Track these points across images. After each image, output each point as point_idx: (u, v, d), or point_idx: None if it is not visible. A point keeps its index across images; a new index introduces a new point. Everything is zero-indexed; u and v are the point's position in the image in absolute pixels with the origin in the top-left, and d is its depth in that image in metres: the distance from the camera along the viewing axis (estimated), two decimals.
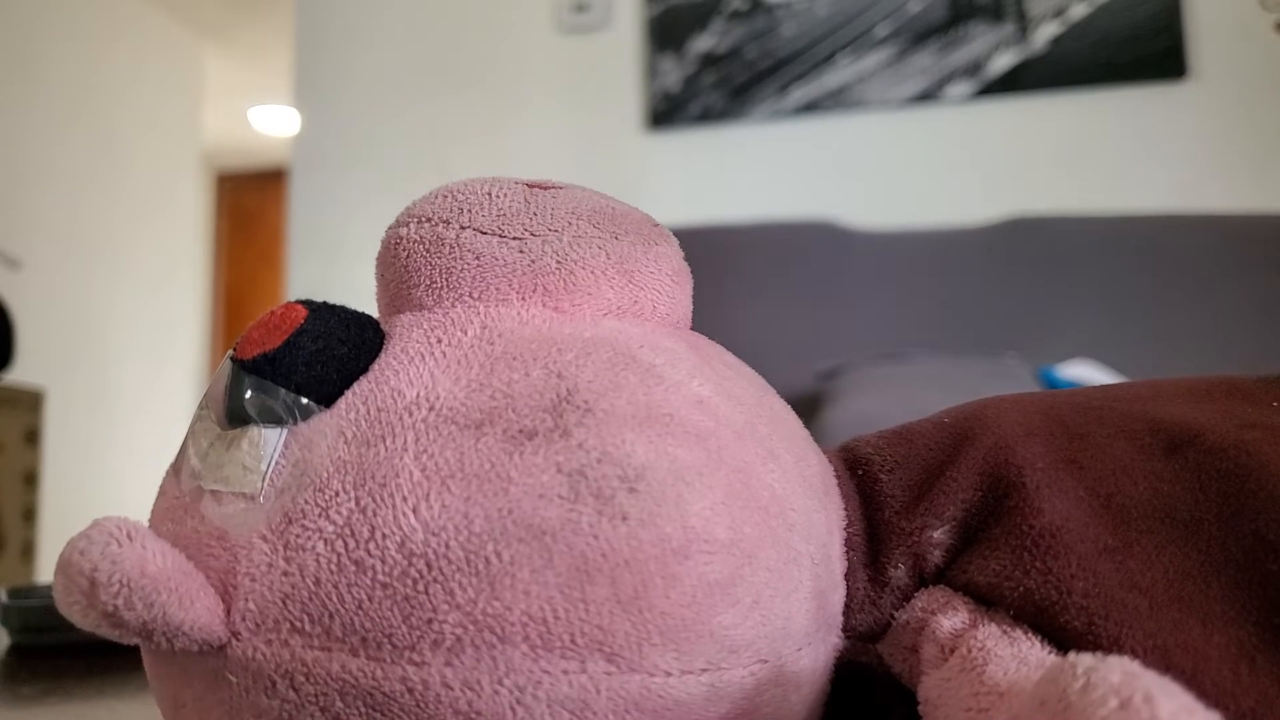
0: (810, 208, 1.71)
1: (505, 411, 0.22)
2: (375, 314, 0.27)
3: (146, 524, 0.23)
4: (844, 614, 0.25)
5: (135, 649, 0.44)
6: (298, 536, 0.21)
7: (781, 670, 0.22)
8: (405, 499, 0.20)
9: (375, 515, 0.20)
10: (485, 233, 0.26)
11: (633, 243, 0.27)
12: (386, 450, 0.21)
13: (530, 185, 0.27)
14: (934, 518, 0.25)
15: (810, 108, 1.74)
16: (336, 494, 0.21)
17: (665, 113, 1.80)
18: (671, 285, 0.27)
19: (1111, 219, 1.50)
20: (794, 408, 0.28)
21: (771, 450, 0.24)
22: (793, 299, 1.53)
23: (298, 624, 0.20)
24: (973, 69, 1.68)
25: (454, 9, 1.95)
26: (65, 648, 0.48)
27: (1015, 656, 0.21)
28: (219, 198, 4.69)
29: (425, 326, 0.24)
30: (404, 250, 0.26)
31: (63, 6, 2.85)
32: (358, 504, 0.21)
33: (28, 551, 2.21)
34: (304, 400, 0.22)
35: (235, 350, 0.23)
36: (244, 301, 4.57)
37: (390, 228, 0.27)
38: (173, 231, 3.41)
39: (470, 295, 0.25)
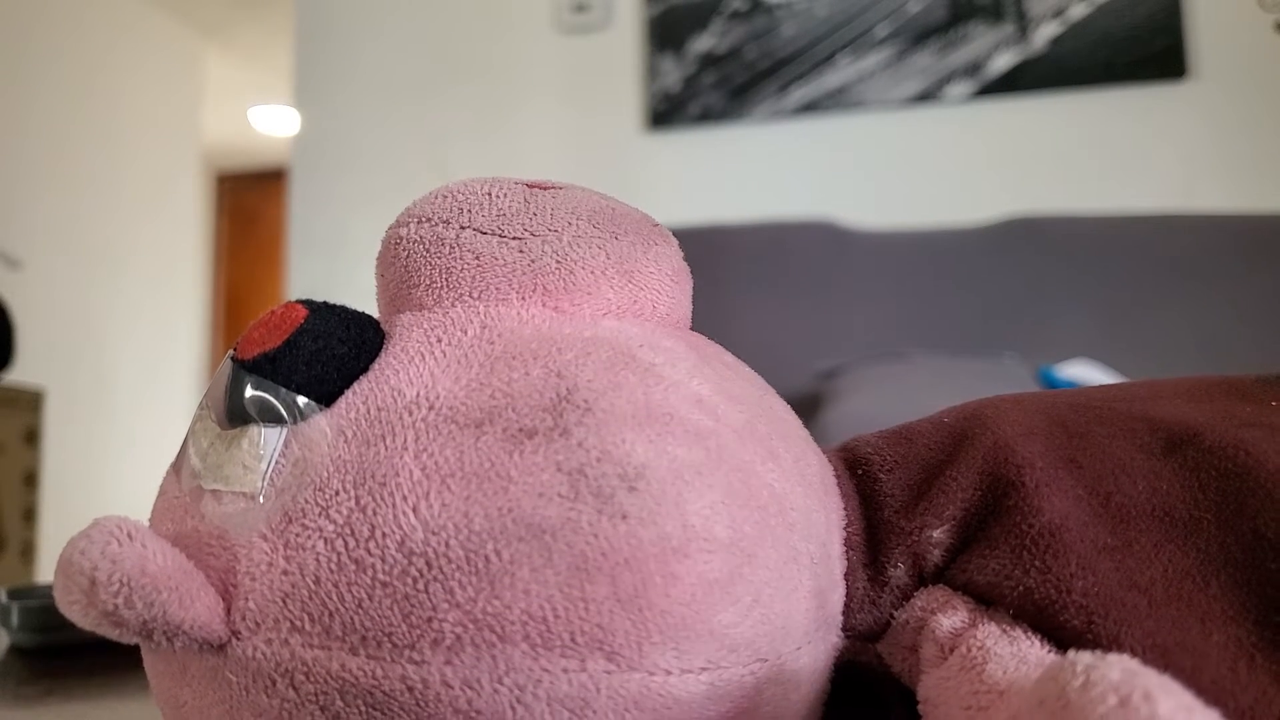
0: (810, 208, 1.71)
1: (505, 410, 0.22)
2: (375, 314, 0.27)
3: (146, 523, 0.23)
4: (844, 613, 0.25)
5: (135, 649, 0.44)
6: (298, 535, 0.21)
7: (781, 669, 0.22)
8: (405, 498, 0.20)
9: (375, 514, 0.20)
10: (485, 233, 0.26)
11: (633, 243, 0.27)
12: (386, 449, 0.21)
13: (530, 185, 0.27)
14: (933, 517, 0.25)
15: (810, 108, 1.74)
16: (336, 493, 0.21)
17: (665, 113, 1.80)
18: (671, 285, 0.27)
19: (1111, 219, 1.50)
20: (794, 408, 0.28)
21: (771, 450, 0.24)
22: (793, 299, 1.53)
23: (297, 623, 0.20)
24: (972, 69, 1.68)
25: (454, 9, 1.95)
26: (65, 648, 0.47)
27: (1015, 655, 0.21)
28: (219, 197, 4.69)
29: (425, 326, 0.24)
30: (404, 250, 0.26)
31: (63, 6, 2.85)
32: (358, 503, 0.21)
33: (28, 551, 2.21)
34: (304, 400, 0.22)
35: (235, 350, 0.23)
36: (244, 301, 4.57)
37: (390, 228, 0.27)
38: (173, 231, 3.40)
39: (470, 295, 0.25)
